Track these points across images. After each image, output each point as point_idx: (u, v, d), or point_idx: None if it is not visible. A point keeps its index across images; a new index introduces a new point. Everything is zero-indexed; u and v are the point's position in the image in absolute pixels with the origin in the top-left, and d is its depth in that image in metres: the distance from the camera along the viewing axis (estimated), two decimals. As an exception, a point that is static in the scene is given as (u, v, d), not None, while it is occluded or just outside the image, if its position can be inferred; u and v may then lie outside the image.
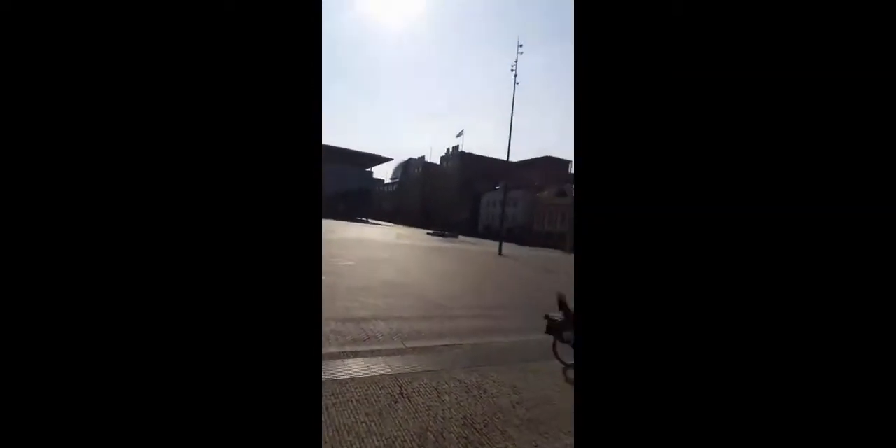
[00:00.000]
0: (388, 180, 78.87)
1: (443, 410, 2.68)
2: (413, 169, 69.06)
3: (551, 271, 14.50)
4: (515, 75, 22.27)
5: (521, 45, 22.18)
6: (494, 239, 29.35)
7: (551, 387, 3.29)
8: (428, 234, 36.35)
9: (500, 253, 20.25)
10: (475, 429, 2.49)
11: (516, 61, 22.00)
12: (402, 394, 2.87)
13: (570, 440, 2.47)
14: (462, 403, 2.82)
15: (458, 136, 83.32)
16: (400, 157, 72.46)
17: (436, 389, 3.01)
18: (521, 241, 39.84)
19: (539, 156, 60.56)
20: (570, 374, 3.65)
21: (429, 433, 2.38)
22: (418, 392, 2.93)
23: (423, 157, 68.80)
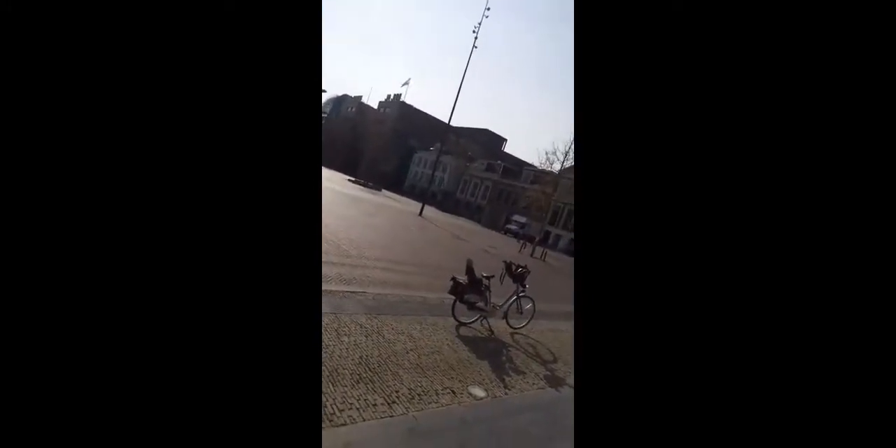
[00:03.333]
0: (315, 113, 71.97)
1: (340, 350, 2.80)
2: (347, 107, 63.92)
3: (463, 239, 15.28)
4: (476, 38, 21.78)
5: (488, 8, 21.32)
6: (418, 199, 29.45)
7: (444, 340, 3.63)
8: (349, 180, 34.83)
9: (420, 214, 20.54)
10: (369, 368, 2.68)
11: (480, 23, 21.13)
12: (301, 331, 2.90)
13: (450, 383, 2.82)
14: (360, 345, 2.97)
15: (403, 84, 78.60)
16: (334, 91, 65.90)
17: (336, 331, 3.10)
18: (442, 206, 40.61)
19: (479, 127, 60.97)
20: (463, 331, 4.05)
21: (324, 368, 2.49)
22: (318, 331, 2.99)
23: (359, 98, 63.98)
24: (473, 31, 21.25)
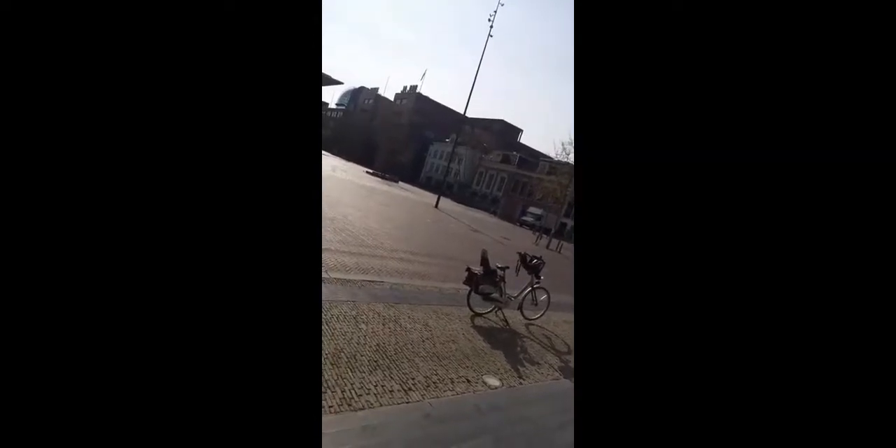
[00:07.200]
0: (332, 105, 72.62)
1: (358, 337, 2.88)
2: (364, 99, 64.21)
3: (478, 231, 15.27)
4: (491, 27, 21.10)
5: (503, -4, 20.81)
6: (434, 191, 29.45)
7: (459, 330, 3.67)
8: (367, 172, 35.09)
9: (436, 206, 20.58)
10: (386, 355, 2.74)
11: (495, 11, 20.69)
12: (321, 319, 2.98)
13: (465, 372, 2.86)
14: (377, 333, 3.04)
15: (421, 77, 78.20)
16: (350, 83, 66.09)
17: (355, 318, 3.18)
18: (459, 198, 40.54)
19: (494, 118, 60.26)
20: (478, 321, 4.09)
21: (342, 354, 2.56)
22: (337, 318, 3.08)
23: (376, 89, 64.08)
24: (489, 20, 20.75)
